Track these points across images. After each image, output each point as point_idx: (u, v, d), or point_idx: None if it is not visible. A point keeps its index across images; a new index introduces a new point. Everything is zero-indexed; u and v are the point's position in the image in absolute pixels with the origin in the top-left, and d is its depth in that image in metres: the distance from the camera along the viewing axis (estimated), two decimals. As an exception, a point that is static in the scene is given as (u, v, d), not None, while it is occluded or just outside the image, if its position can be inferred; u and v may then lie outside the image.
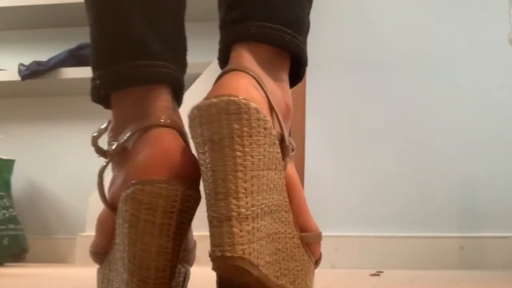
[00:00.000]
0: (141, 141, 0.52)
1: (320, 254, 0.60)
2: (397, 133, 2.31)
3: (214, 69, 2.55)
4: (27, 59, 2.51)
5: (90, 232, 2.31)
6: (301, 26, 0.57)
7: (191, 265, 0.59)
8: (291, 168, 0.53)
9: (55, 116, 2.64)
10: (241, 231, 0.42)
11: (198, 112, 0.45)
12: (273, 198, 0.47)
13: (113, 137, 0.57)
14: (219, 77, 0.50)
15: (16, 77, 2.46)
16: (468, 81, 2.31)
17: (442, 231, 2.21)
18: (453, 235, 2.19)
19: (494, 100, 2.28)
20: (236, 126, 0.43)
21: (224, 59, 0.56)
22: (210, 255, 0.43)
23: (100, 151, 0.58)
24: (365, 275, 1.41)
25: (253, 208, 0.43)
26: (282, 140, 0.50)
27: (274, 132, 0.47)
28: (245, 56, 0.52)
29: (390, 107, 2.34)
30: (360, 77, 2.37)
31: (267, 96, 0.50)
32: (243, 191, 0.43)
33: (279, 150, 0.48)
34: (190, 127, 0.47)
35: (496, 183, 2.21)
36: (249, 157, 0.43)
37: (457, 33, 2.35)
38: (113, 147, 0.54)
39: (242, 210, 0.43)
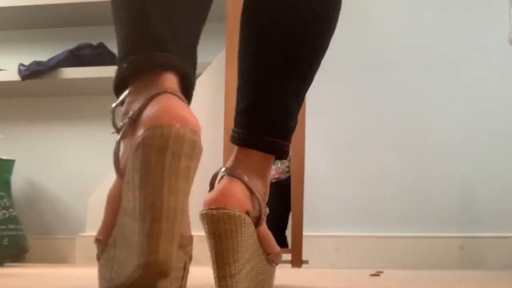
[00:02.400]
0: (149, 105, 0.57)
1: (280, 257, 0.85)
2: (397, 133, 2.31)
3: (214, 69, 2.55)
4: (27, 59, 2.51)
5: (90, 232, 2.31)
6: (291, 135, 0.82)
7: (189, 257, 0.66)
8: (263, 225, 0.79)
9: (55, 116, 2.64)
10: (232, 283, 0.71)
11: (205, 218, 0.72)
12: (250, 253, 0.76)
13: (126, 115, 0.61)
14: (222, 177, 0.77)
15: (16, 77, 2.46)
16: (468, 81, 2.31)
17: (442, 231, 2.21)
18: (453, 235, 2.20)
19: (494, 100, 2.28)
20: (228, 227, 0.72)
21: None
22: None
23: (115, 125, 0.62)
24: (365, 275, 1.41)
25: (239, 267, 0.72)
26: (260, 217, 0.77)
27: (252, 226, 0.76)
28: (245, 162, 0.78)
29: (390, 107, 2.34)
30: (360, 77, 2.37)
31: (252, 192, 0.77)
32: (233, 261, 0.71)
33: (254, 228, 0.76)
34: (201, 220, 0.73)
35: (496, 183, 2.22)
36: (236, 241, 0.72)
37: (457, 33, 2.35)
38: (126, 120, 0.60)
39: (233, 272, 0.72)
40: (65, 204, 2.56)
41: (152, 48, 0.62)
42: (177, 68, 0.62)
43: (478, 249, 2.17)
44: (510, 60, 2.22)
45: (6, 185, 2.34)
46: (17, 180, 2.48)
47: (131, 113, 0.59)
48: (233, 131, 0.81)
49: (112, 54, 2.48)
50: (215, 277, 0.71)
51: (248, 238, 0.74)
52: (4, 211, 2.20)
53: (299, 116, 0.84)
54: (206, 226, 0.72)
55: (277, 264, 0.85)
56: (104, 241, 0.61)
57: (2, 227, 2.16)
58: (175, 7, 0.66)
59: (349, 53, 2.40)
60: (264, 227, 0.80)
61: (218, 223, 0.71)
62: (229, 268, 0.71)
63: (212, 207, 0.72)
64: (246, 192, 0.76)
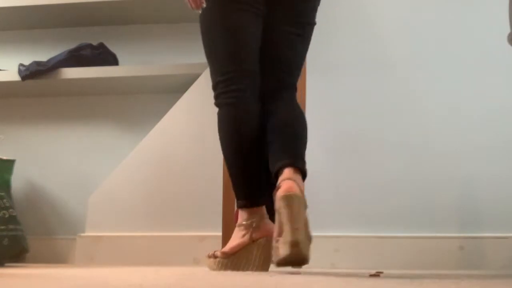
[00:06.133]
0: (261, 225, 1.49)
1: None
2: (397, 134, 2.32)
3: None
4: (27, 59, 2.51)
5: (90, 232, 2.31)
6: (305, 160, 1.50)
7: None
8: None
9: (55, 116, 2.64)
10: (300, 233, 1.31)
11: (286, 195, 1.34)
12: (306, 221, 1.37)
13: (242, 225, 1.51)
14: (284, 179, 1.40)
15: (16, 77, 2.46)
16: (468, 82, 2.31)
17: (442, 231, 2.21)
18: (453, 235, 2.20)
19: (494, 101, 2.28)
20: (297, 203, 1.35)
21: (276, 173, 1.47)
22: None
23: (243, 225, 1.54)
24: (365, 275, 1.41)
25: (304, 233, 1.32)
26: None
27: (306, 201, 1.38)
28: (292, 173, 1.41)
29: (390, 108, 2.34)
30: (360, 78, 2.37)
31: (300, 189, 1.38)
32: (299, 219, 1.33)
33: (306, 203, 1.39)
34: (281, 199, 1.34)
35: (496, 184, 2.22)
36: (302, 212, 1.35)
37: (457, 34, 2.35)
38: (253, 224, 1.50)
39: (300, 237, 1.31)
40: (65, 204, 2.56)
41: (254, 197, 1.51)
42: (266, 203, 1.46)
43: (478, 249, 2.17)
44: (510, 60, 2.22)
45: (6, 185, 2.34)
46: (17, 180, 2.48)
47: (250, 222, 1.49)
48: (275, 167, 1.50)
49: (112, 54, 2.48)
50: (288, 230, 1.29)
51: (305, 208, 1.36)
52: (4, 211, 2.20)
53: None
54: (283, 201, 1.32)
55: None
56: (228, 255, 1.43)
57: (2, 227, 2.16)
58: (259, 172, 1.52)
59: (349, 54, 2.40)
60: None
61: (293, 199, 1.32)
62: (298, 224, 1.29)
63: (291, 192, 1.35)
64: (301, 190, 1.39)
